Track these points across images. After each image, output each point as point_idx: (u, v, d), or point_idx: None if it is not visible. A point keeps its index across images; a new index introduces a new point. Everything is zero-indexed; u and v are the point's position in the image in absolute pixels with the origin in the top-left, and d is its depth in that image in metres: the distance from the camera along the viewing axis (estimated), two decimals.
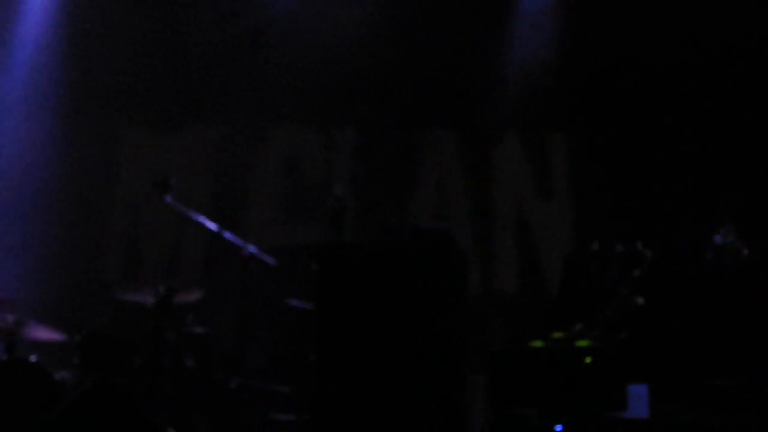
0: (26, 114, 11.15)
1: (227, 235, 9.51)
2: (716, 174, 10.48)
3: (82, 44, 11.24)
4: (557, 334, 8.02)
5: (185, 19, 11.34)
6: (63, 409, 8.39)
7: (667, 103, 10.70)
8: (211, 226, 9.55)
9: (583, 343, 7.85)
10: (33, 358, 8.88)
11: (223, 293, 10.16)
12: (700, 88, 10.61)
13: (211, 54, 11.30)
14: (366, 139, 11.23)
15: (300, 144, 11.30)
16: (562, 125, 11.17)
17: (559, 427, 7.73)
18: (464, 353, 8.05)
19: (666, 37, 10.72)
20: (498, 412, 8.01)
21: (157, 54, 11.29)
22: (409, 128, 11.25)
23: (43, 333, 9.31)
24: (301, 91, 11.15)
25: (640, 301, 8.40)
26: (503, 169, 11.22)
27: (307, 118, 11.25)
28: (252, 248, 9.48)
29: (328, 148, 11.23)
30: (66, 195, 11.04)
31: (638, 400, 7.88)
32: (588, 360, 7.75)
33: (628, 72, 10.82)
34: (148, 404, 8.94)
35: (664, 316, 9.05)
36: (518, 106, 11.09)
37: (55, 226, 10.92)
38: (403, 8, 11.14)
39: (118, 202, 11.27)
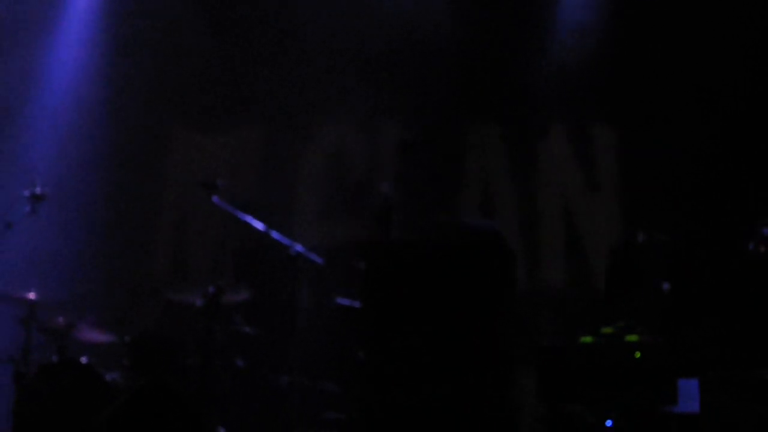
0: (73, 115, 11.22)
1: (274, 234, 9.53)
2: (763, 166, 10.39)
3: (129, 45, 11.30)
4: (606, 329, 7.99)
5: (231, 20, 11.38)
6: (114, 410, 8.45)
7: (714, 94, 10.61)
8: (259, 225, 9.57)
9: (632, 337, 7.81)
10: (84, 360, 8.94)
11: (271, 292, 10.19)
12: (748, 80, 10.52)
13: (255, 53, 11.33)
14: (411, 135, 11.21)
15: (345, 141, 11.30)
16: (609, 118, 11.10)
17: (609, 423, 7.70)
18: (513, 349, 8.02)
19: (715, 28, 10.64)
20: (548, 408, 7.98)
21: (203, 55, 11.34)
22: (454, 124, 11.22)
23: (94, 334, 9.37)
24: (346, 88, 11.16)
25: (666, 287, 8.36)
26: (550, 163, 11.16)
27: (352, 115, 11.25)
28: (299, 247, 9.50)
29: (374, 145, 11.23)
30: (114, 196, 11.11)
31: (689, 394, 7.82)
32: (638, 355, 7.71)
33: (675, 63, 10.74)
34: (198, 404, 8.98)
35: (712, 308, 8.98)
36: (564, 99, 11.03)
37: (103, 228, 10.99)
38: (445, 2, 11.11)
39: (166, 203, 11.32)
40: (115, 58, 11.31)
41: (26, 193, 9.12)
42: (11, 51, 11.12)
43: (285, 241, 9.51)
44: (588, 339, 7.90)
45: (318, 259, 9.64)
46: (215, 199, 9.53)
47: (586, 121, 11.12)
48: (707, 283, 9.15)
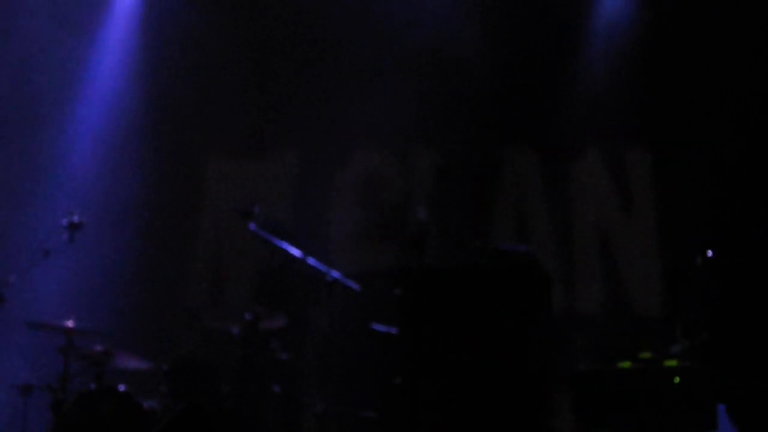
0: (109, 142, 11.28)
1: (311, 260, 9.54)
2: None
3: (164, 71, 11.36)
4: (645, 354, 7.97)
5: (266, 47, 11.42)
6: None
7: (749, 116, 10.57)
8: (295, 252, 9.59)
9: (671, 362, 7.78)
10: (122, 387, 8.96)
11: (308, 319, 10.21)
12: None
13: (290, 79, 11.36)
14: (445, 159, 11.22)
15: (380, 166, 11.31)
16: (643, 141, 11.07)
17: None
18: (550, 374, 8.00)
19: (748, 49, 10.61)
20: None
21: (238, 81, 11.39)
22: (488, 148, 11.21)
23: (132, 362, 9.38)
24: (380, 113, 11.17)
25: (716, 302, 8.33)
26: (584, 185, 11.13)
27: (387, 140, 11.26)
28: (335, 273, 9.51)
29: (408, 170, 11.23)
30: (151, 224, 11.14)
31: (728, 418, 7.79)
32: (677, 380, 7.68)
33: (709, 85, 10.70)
34: (236, 430, 8.99)
35: (748, 332, 8.94)
36: (598, 122, 11.01)
37: (140, 255, 11.03)
38: (479, 27, 11.11)
39: (202, 230, 11.35)
40: (150, 84, 11.37)
41: (64, 221, 9.17)
42: (50, 67, 11.20)
43: (321, 267, 9.52)
44: (626, 364, 7.89)
45: (354, 285, 9.65)
46: (252, 226, 9.54)
47: (620, 144, 11.09)
48: (745, 306, 9.12)
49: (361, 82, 11.17)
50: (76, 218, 9.16)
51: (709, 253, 8.80)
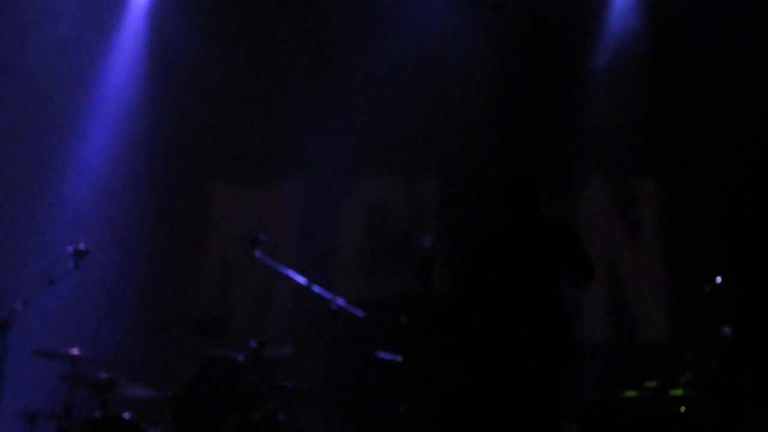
0: (115, 170, 11.29)
1: (316, 288, 9.53)
2: None
3: (173, 98, 11.38)
4: (651, 384, 7.94)
5: (273, 75, 11.44)
6: None
7: (758, 143, 10.55)
8: (300, 280, 9.58)
9: (677, 392, 7.75)
10: (127, 416, 8.94)
11: (313, 347, 10.18)
12: None
13: (298, 107, 11.38)
14: (451, 187, 11.21)
15: (386, 195, 11.31)
16: (651, 168, 11.06)
17: None
18: (557, 403, 7.97)
19: (754, 77, 10.61)
20: None
21: (247, 108, 11.41)
22: (494, 175, 11.19)
23: (136, 390, 9.37)
24: (386, 143, 11.18)
25: (727, 330, 8.30)
26: (591, 214, 11.11)
27: (392, 169, 11.26)
28: (340, 301, 9.50)
29: (414, 199, 11.23)
30: (156, 251, 11.15)
31: None
32: (683, 409, 7.64)
33: (716, 112, 10.69)
34: None
35: (757, 361, 8.89)
36: (605, 149, 11.00)
37: (146, 283, 11.03)
38: (484, 57, 11.13)
39: (208, 257, 11.35)
40: (158, 109, 11.39)
41: (70, 249, 9.17)
42: (56, 93, 11.23)
43: (327, 295, 9.51)
44: (632, 393, 7.86)
45: (359, 313, 9.63)
46: (258, 253, 9.54)
47: (626, 172, 11.08)
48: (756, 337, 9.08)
49: (369, 112, 11.18)
50: (81, 245, 9.17)
51: (719, 279, 8.78)
